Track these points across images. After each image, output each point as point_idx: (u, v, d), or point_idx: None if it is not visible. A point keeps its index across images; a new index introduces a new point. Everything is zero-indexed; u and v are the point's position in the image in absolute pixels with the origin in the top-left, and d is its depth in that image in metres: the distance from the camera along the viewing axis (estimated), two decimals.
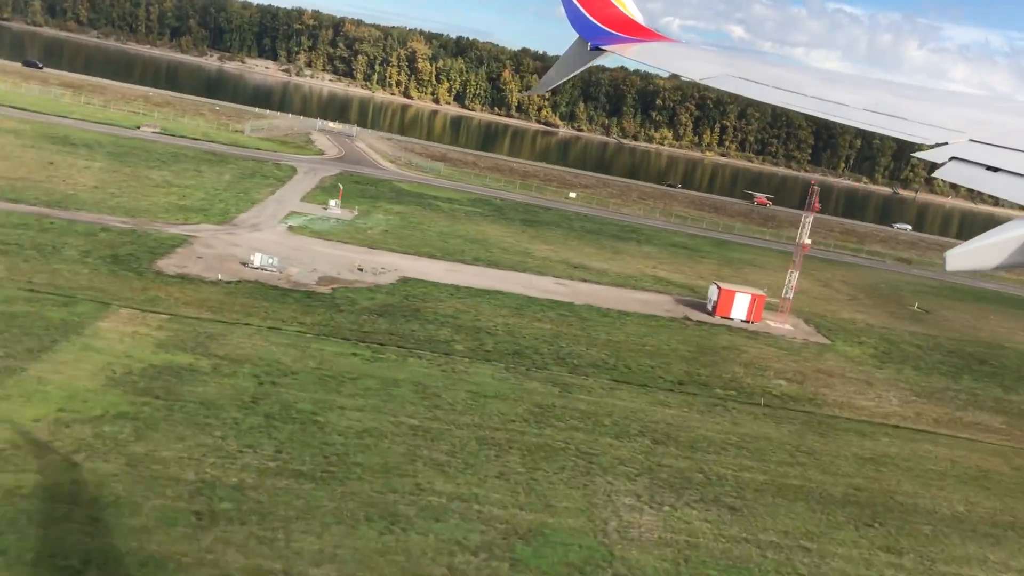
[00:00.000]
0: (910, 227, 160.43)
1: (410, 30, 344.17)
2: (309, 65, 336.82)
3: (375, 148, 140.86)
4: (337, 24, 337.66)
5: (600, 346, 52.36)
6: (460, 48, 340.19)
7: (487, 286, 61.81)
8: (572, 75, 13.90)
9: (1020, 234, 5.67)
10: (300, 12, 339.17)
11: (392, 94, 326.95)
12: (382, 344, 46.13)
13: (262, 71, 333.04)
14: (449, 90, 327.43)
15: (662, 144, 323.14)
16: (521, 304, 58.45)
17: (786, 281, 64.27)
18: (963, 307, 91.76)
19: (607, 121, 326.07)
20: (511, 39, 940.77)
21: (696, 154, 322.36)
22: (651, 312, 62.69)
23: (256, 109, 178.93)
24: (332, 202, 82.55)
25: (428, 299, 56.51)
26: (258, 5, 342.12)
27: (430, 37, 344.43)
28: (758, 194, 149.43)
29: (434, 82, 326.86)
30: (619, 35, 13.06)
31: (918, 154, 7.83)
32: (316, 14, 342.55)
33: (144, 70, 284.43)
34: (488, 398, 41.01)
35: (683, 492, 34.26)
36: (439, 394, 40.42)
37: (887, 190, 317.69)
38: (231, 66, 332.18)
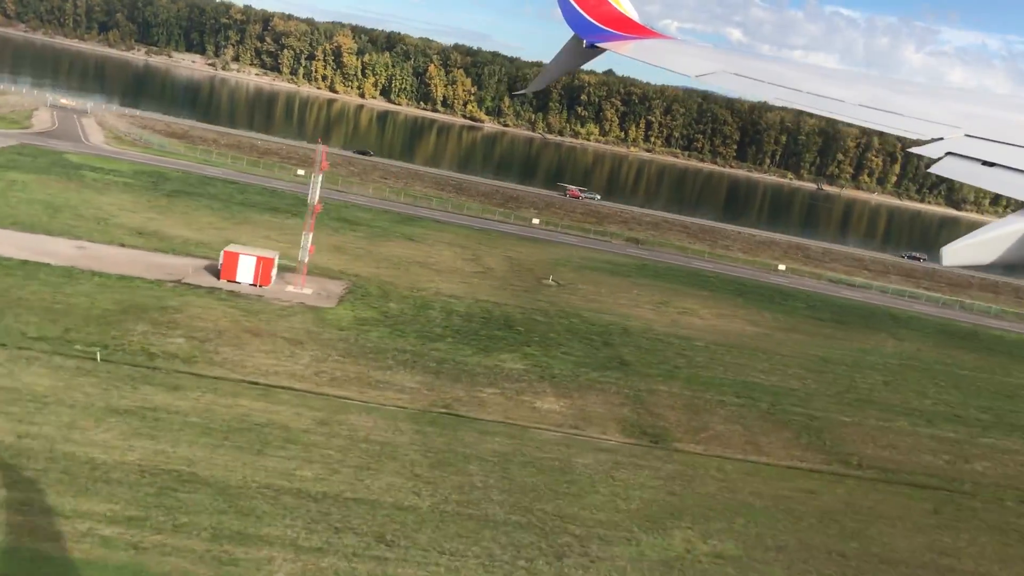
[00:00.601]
0: (598, 196, 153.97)
1: (338, 24, 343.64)
2: (236, 59, 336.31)
3: (104, 124, 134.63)
4: (267, 18, 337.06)
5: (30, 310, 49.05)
6: (391, 43, 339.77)
7: None
8: (567, 72, 14.01)
9: (1017, 229, 5.59)
10: (228, 6, 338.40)
11: (318, 88, 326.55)
12: None
13: (188, 66, 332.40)
14: (375, 84, 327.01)
15: (588, 140, 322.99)
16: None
17: (301, 244, 61.83)
18: (612, 282, 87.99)
19: (533, 116, 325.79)
20: (510, 42, 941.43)
21: (622, 150, 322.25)
22: (155, 276, 58.75)
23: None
24: None
25: None
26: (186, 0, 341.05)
27: (359, 31, 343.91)
28: (571, 186, 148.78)
29: (360, 76, 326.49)
30: (614, 32, 13.07)
31: (913, 149, 7.84)
32: (245, 8, 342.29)
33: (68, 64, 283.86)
34: None
35: None
36: None
37: (813, 186, 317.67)
38: (158, 60, 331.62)
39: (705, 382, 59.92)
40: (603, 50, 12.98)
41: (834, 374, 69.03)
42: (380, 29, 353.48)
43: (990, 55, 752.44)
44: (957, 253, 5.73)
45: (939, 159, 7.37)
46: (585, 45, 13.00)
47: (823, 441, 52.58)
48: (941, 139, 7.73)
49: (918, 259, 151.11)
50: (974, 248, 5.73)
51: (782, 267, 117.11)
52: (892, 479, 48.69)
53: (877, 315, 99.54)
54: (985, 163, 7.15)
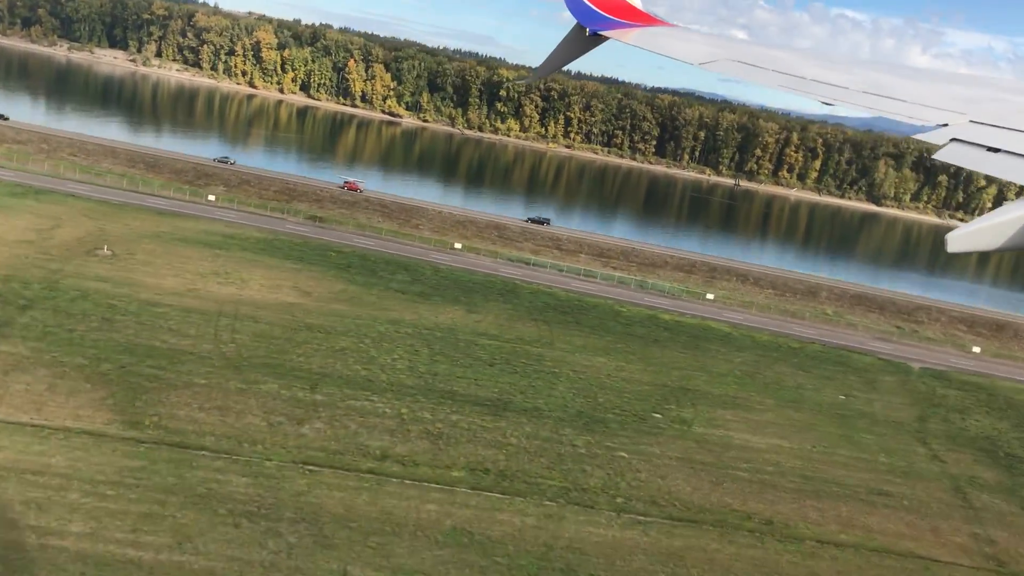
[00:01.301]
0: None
1: (259, 19, 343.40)
2: (159, 55, 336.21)
3: None
4: (191, 14, 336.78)
5: None
6: (315, 37, 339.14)
7: None
8: (569, 62, 13.88)
9: (1021, 215, 5.61)
10: (150, 2, 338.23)
11: (238, 84, 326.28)
12: None
13: (110, 61, 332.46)
14: (294, 79, 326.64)
15: (508, 135, 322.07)
16: None
17: None
18: (187, 254, 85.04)
19: (453, 112, 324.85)
20: (515, 45, 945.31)
21: (542, 146, 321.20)
22: None
23: None
24: None
25: None
26: None
27: (285, 26, 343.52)
28: (349, 179, 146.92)
29: (279, 72, 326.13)
30: (618, 20, 13.09)
31: (918, 136, 7.87)
32: (168, 4, 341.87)
33: None
34: None
35: None
36: None
37: (731, 182, 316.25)
38: (79, 56, 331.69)
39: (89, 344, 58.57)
40: (606, 38, 12.96)
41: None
42: (310, 24, 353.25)
43: (996, 57, 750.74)
44: (962, 239, 5.72)
45: (943, 145, 7.29)
46: (588, 33, 12.98)
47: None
48: (946, 125, 7.67)
49: (542, 223, 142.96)
50: (979, 234, 5.69)
51: (458, 245, 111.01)
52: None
53: (487, 286, 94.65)
54: (990, 149, 7.12)
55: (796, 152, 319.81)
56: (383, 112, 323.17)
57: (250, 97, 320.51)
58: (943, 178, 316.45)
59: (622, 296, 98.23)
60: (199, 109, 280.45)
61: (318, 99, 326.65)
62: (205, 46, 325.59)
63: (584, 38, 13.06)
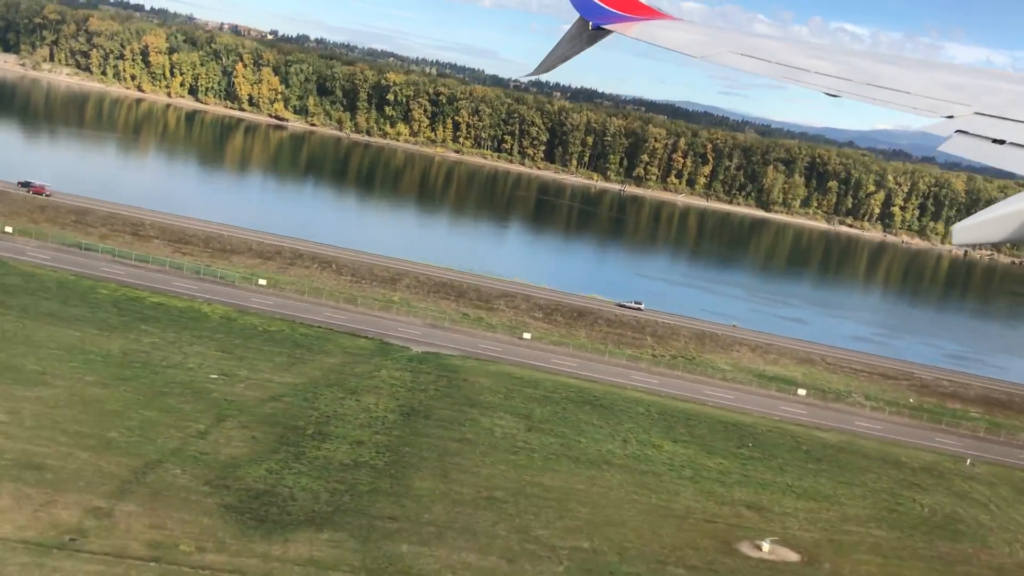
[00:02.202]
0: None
1: (149, 23, 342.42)
2: (51, 59, 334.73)
3: None
4: (85, 18, 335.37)
5: None
6: (209, 40, 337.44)
7: None
8: (571, 57, 13.66)
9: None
10: (42, 5, 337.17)
11: (127, 88, 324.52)
12: None
13: (0, 66, 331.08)
14: (182, 83, 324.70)
15: (397, 139, 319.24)
16: None
17: None
18: None
19: (342, 116, 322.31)
20: (516, 59, 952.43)
21: (430, 151, 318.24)
22: None
23: None
24: None
25: None
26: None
27: (181, 30, 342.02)
28: (35, 182, 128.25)
29: (168, 76, 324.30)
30: (620, 14, 12.98)
31: (922, 128, 7.86)
32: (61, 8, 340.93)
33: None
34: None
35: None
36: None
37: (618, 187, 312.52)
38: None
39: None
40: (608, 32, 12.76)
41: None
42: (204, 28, 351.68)
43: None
44: (967, 231, 5.72)
45: (949, 137, 7.28)
46: (591, 27, 12.86)
47: None
48: (951, 117, 7.67)
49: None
50: (984, 226, 5.70)
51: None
52: None
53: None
54: (995, 141, 7.09)
55: (684, 158, 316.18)
56: (270, 116, 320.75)
57: (139, 101, 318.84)
58: (833, 184, 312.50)
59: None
60: (136, 114, 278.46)
61: (206, 103, 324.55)
62: (95, 50, 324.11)
63: (587, 32, 12.90)
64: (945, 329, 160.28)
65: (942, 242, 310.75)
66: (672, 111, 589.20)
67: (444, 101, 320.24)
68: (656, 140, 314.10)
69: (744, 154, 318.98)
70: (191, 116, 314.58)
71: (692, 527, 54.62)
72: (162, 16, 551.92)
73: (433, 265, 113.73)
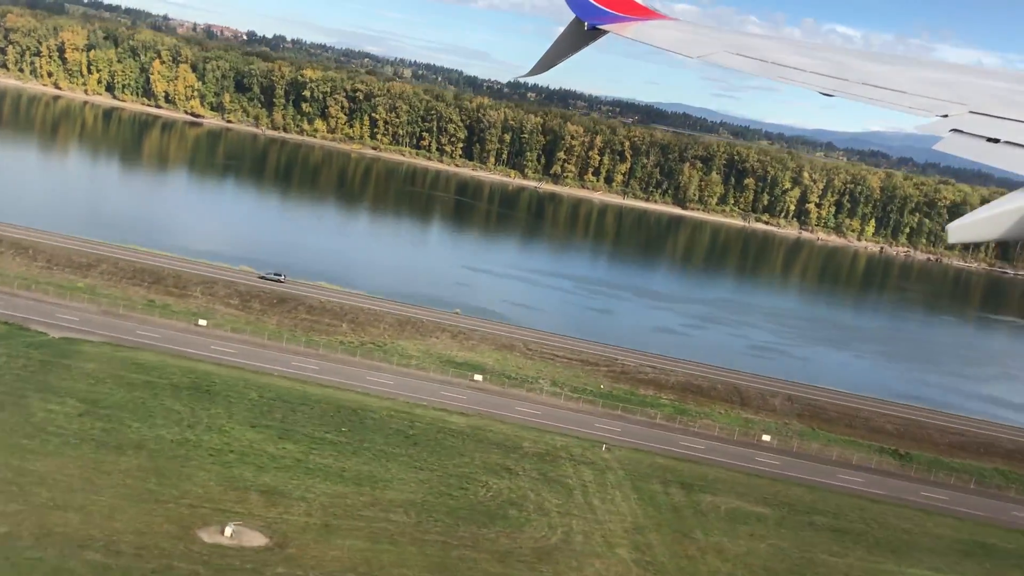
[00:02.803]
0: None
1: (69, 19, 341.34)
2: None
3: None
4: (1, 14, 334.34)
5: None
6: (130, 36, 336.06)
7: None
8: (567, 56, 13.54)
9: (1020, 206, 5.55)
10: None
11: (44, 85, 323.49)
12: None
13: None
14: (99, 80, 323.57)
15: (314, 136, 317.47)
16: None
17: None
18: None
19: (259, 112, 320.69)
20: (510, 60, 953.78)
21: (347, 147, 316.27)
22: None
23: None
24: None
25: None
26: None
27: (103, 26, 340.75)
28: None
29: (85, 73, 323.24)
30: (616, 14, 12.90)
31: (918, 127, 7.88)
32: None
33: None
34: None
35: None
36: None
37: (533, 184, 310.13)
38: None
39: None
40: (604, 32, 12.66)
41: None
42: (127, 26, 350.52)
43: None
44: (962, 230, 5.67)
45: (943, 137, 7.22)
46: (587, 28, 12.76)
47: None
48: (946, 116, 7.65)
49: None
50: (979, 225, 5.64)
51: None
52: None
53: None
54: (989, 140, 7.03)
55: (601, 155, 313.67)
56: (186, 113, 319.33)
57: (56, 98, 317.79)
58: (750, 181, 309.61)
59: None
60: (53, 112, 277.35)
61: (123, 100, 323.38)
62: (12, 47, 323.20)
63: (582, 33, 12.78)
64: (778, 321, 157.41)
65: (858, 239, 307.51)
66: (652, 113, 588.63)
67: (361, 98, 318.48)
68: (573, 137, 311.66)
69: (662, 151, 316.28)
70: (108, 113, 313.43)
71: (162, 513, 52.09)
72: (134, 15, 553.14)
73: (141, 250, 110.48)
